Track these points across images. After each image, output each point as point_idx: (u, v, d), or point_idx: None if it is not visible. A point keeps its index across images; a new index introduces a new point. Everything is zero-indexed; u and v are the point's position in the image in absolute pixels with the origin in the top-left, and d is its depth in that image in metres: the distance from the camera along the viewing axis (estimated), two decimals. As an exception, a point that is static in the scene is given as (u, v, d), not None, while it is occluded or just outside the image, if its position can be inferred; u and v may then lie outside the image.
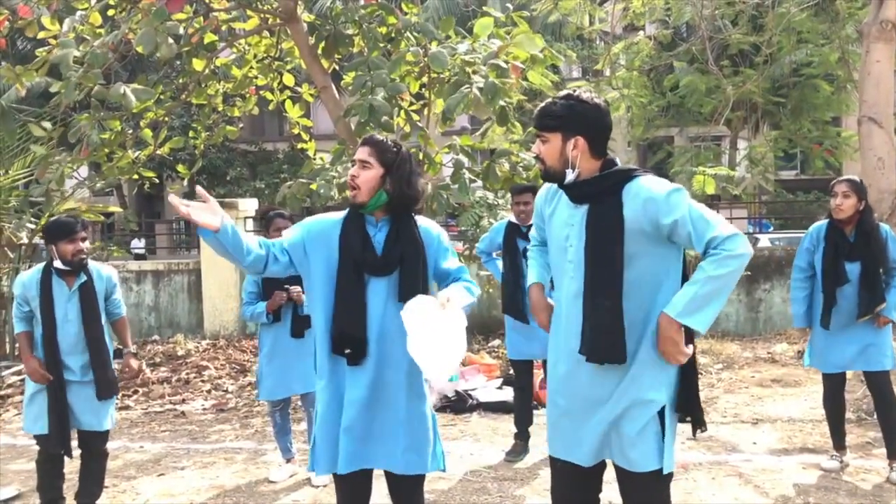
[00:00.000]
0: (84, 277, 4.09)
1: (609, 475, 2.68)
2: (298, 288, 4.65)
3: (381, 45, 6.65)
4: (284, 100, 8.30)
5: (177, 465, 5.39)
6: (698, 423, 2.66)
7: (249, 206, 11.19)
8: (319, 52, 7.05)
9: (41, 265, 4.15)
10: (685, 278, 2.57)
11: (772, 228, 19.25)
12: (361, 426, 2.75)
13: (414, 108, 6.94)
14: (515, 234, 5.03)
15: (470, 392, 6.70)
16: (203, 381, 8.13)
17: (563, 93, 2.62)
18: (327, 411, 2.79)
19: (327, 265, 2.77)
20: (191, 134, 8.61)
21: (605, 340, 2.50)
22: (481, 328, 9.72)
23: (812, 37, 11.37)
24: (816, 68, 12.84)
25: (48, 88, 6.45)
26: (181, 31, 6.20)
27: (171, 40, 5.81)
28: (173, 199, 2.59)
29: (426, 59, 6.14)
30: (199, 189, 2.66)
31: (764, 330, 9.92)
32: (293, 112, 8.23)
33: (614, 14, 9.90)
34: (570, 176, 2.57)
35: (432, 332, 2.60)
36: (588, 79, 13.79)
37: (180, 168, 8.99)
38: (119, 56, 6.64)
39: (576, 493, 2.70)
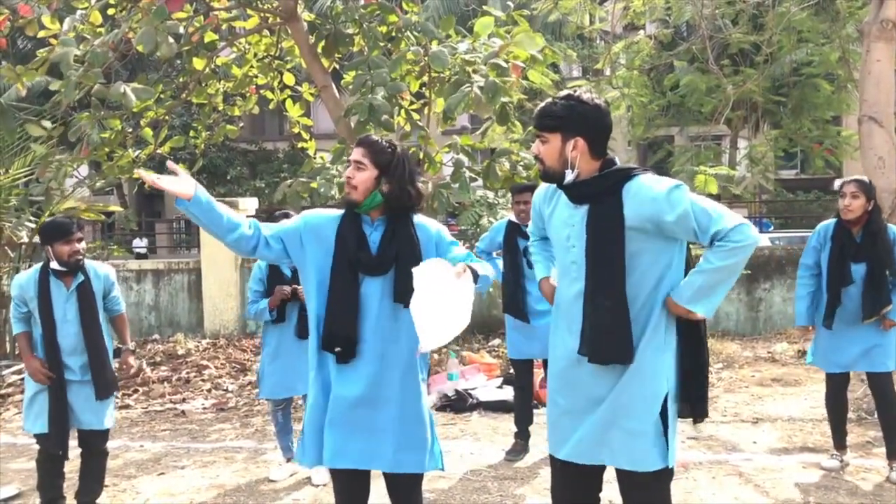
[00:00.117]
0: (82, 277, 4.09)
1: (609, 475, 2.68)
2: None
3: (382, 44, 6.65)
4: (285, 99, 8.29)
5: (177, 465, 5.39)
6: (700, 413, 2.66)
7: (250, 205, 11.19)
8: (320, 51, 7.05)
9: (38, 266, 4.14)
10: (688, 264, 2.57)
11: (772, 228, 19.25)
12: (349, 423, 2.74)
13: (414, 107, 6.94)
14: (516, 234, 5.03)
15: (470, 391, 6.70)
16: (203, 381, 8.13)
17: (563, 93, 2.61)
18: (314, 404, 2.81)
19: (322, 260, 2.78)
20: (191, 133, 8.61)
21: (606, 341, 2.50)
22: (481, 327, 9.72)
23: (812, 36, 11.36)
24: (817, 67, 12.83)
25: (48, 87, 6.45)
26: (181, 30, 6.21)
27: (171, 39, 5.81)
28: (141, 172, 2.70)
29: (426, 58, 6.14)
30: (169, 163, 2.71)
31: (764, 329, 9.92)
32: (293, 111, 8.22)
33: (614, 13, 9.89)
34: (569, 176, 2.56)
35: (439, 296, 2.58)
36: (588, 78, 13.77)
37: (181, 167, 8.97)
38: (119, 55, 6.65)
39: (576, 493, 2.69)
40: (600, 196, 2.54)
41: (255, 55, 7.86)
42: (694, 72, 13.53)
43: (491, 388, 6.88)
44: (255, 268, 4.92)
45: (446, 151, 6.78)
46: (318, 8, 7.77)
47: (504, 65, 5.87)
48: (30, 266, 5.19)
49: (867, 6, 7.72)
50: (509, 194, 6.72)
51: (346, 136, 6.63)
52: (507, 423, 5.76)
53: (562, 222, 2.65)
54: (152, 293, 11.31)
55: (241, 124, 12.49)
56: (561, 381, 2.67)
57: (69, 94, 6.04)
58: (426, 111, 7.00)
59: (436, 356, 8.51)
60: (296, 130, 8.43)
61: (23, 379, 5.69)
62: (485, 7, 6.68)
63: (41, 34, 6.43)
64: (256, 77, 7.95)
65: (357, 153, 2.77)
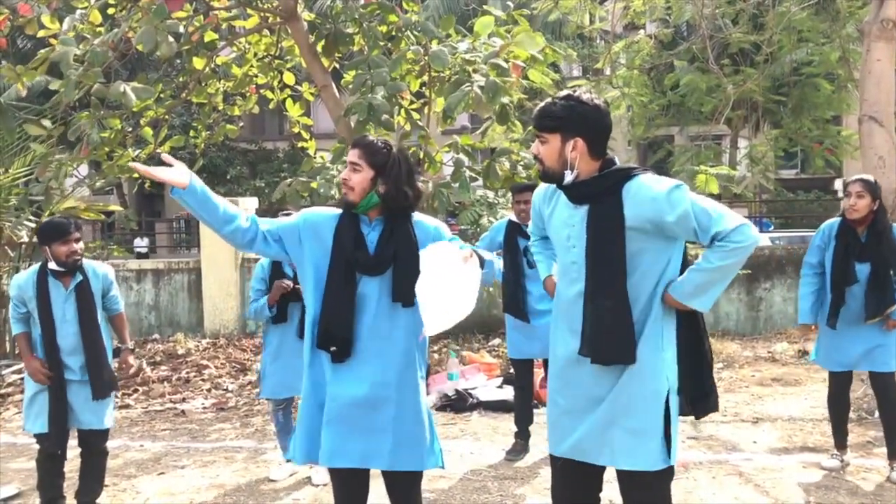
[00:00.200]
0: (80, 277, 4.08)
1: (609, 474, 2.67)
2: None
3: (382, 43, 6.65)
4: (285, 98, 8.29)
5: (177, 464, 5.39)
6: (701, 411, 2.67)
7: (250, 204, 11.18)
8: (320, 50, 7.05)
9: (36, 266, 4.14)
10: (684, 261, 2.59)
11: (772, 227, 19.26)
12: (347, 422, 2.74)
13: (414, 106, 6.94)
14: (516, 233, 5.03)
15: (470, 391, 6.70)
16: (203, 380, 8.13)
17: (562, 93, 2.60)
18: (305, 402, 2.82)
19: (320, 259, 2.78)
20: (191, 133, 8.60)
21: (608, 341, 2.49)
22: (481, 327, 9.72)
23: (813, 36, 11.35)
24: (817, 67, 12.82)
25: (48, 87, 6.45)
26: (181, 29, 6.20)
27: (171, 39, 5.81)
28: (135, 165, 2.74)
29: (427, 57, 6.14)
30: (164, 155, 2.71)
31: (764, 329, 9.92)
32: (293, 111, 8.22)
33: (615, 13, 9.88)
34: (568, 177, 2.56)
35: (445, 279, 2.58)
36: (588, 78, 13.77)
37: None
38: (119, 54, 6.64)
39: (576, 492, 2.69)
40: (600, 196, 2.54)
41: (255, 54, 7.86)
42: (694, 71, 13.52)
43: (491, 388, 6.88)
44: (257, 267, 4.91)
45: (446, 151, 6.78)
46: (318, 7, 7.78)
47: (504, 65, 5.87)
48: (30, 265, 5.19)
49: (867, 6, 7.72)
50: (509, 194, 6.72)
51: (346, 136, 6.62)
52: (508, 423, 5.76)
53: (561, 222, 2.65)
54: (152, 293, 11.32)
55: (241, 124, 12.50)
56: (561, 380, 2.67)
57: (69, 94, 6.04)
58: (426, 111, 7.00)
59: (436, 356, 8.51)
60: (296, 130, 8.42)
61: (22, 379, 5.70)
62: (485, 6, 6.67)
63: (41, 34, 6.42)
64: (256, 76, 7.95)
65: (353, 154, 2.77)
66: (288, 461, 5.01)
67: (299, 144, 8.69)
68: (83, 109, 6.79)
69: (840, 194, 12.16)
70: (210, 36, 7.04)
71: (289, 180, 6.77)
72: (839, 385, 4.73)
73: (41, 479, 4.15)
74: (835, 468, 4.74)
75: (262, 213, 6.12)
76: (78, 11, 6.57)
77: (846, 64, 10.67)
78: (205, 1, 7.74)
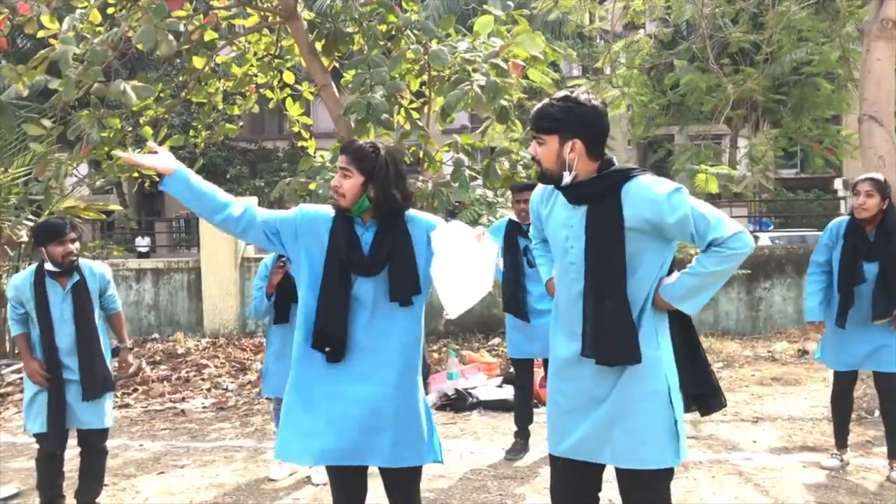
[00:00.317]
0: (77, 277, 4.08)
1: (608, 474, 2.67)
2: None
3: (382, 43, 6.65)
4: (284, 98, 8.29)
5: (177, 464, 5.39)
6: (703, 408, 2.67)
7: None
8: (319, 49, 7.05)
9: (33, 267, 4.14)
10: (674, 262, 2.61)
11: (772, 227, 19.26)
12: (346, 421, 2.74)
13: (414, 106, 6.94)
14: (516, 233, 5.03)
15: (470, 390, 6.69)
16: (203, 380, 8.13)
17: (560, 94, 2.59)
18: (290, 398, 2.82)
19: (316, 256, 2.79)
20: (191, 132, 8.60)
21: (610, 342, 2.49)
22: (481, 326, 9.72)
23: (812, 35, 11.35)
24: (817, 67, 12.82)
25: (48, 86, 6.45)
26: (181, 28, 6.19)
27: (170, 37, 5.81)
28: (120, 153, 2.82)
29: (426, 57, 6.14)
30: (150, 143, 2.73)
31: (764, 328, 9.92)
32: (293, 110, 8.22)
33: (614, 12, 9.88)
34: (567, 178, 2.55)
35: (459, 259, 2.57)
36: (588, 77, 13.77)
37: None
38: (119, 54, 6.63)
39: (576, 492, 2.69)
40: (599, 197, 2.54)
41: (255, 54, 7.86)
42: (694, 71, 13.52)
43: (491, 388, 6.88)
44: (261, 266, 4.91)
45: (446, 150, 6.78)
46: (318, 6, 7.79)
47: (504, 65, 5.87)
48: (30, 265, 5.19)
49: (867, 5, 7.72)
50: (509, 193, 6.72)
51: (345, 135, 6.62)
52: (507, 423, 5.76)
53: (560, 223, 2.65)
54: (152, 292, 11.31)
55: (241, 123, 12.49)
56: (561, 380, 2.67)
57: (68, 93, 6.03)
58: (426, 110, 7.00)
59: (435, 355, 8.51)
60: (295, 129, 8.42)
61: (22, 378, 5.69)
62: (485, 6, 6.67)
63: (41, 34, 6.42)
64: (256, 76, 7.95)
65: (342, 160, 2.77)
66: (288, 461, 5.01)
67: (299, 144, 8.69)
68: (83, 109, 6.79)
69: (840, 194, 12.17)
70: (210, 35, 7.04)
71: (287, 180, 6.77)
72: (843, 384, 4.71)
73: (41, 478, 4.15)
74: (835, 467, 4.74)
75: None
76: (77, 11, 6.57)
77: (846, 63, 10.68)
78: (204, 0, 7.74)
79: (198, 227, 11.31)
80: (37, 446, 4.15)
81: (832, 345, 4.63)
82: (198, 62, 7.24)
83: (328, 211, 2.84)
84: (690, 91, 13.69)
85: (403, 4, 7.09)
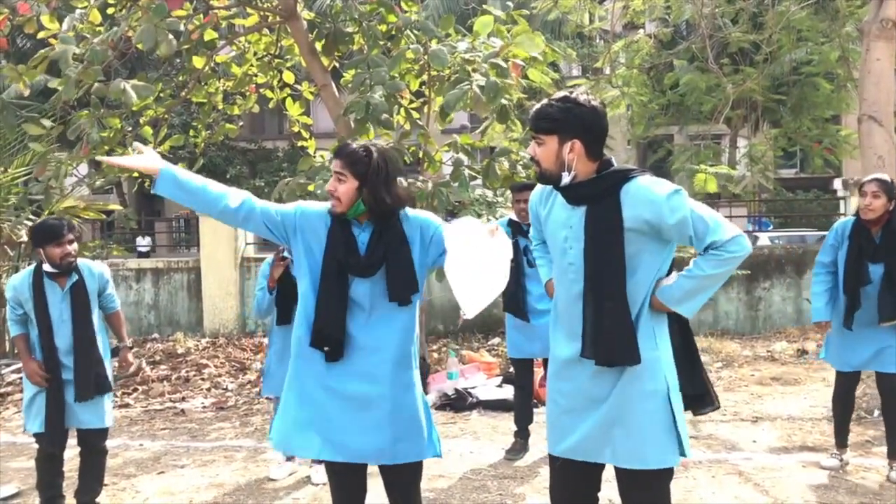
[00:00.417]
0: (76, 277, 4.08)
1: (608, 474, 2.67)
2: None
3: (381, 42, 6.64)
4: (284, 98, 8.29)
5: (176, 464, 5.39)
6: (697, 407, 2.68)
7: (249, 203, 11.17)
8: (319, 49, 7.05)
9: (31, 267, 4.14)
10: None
11: (771, 227, 19.27)
12: (344, 418, 2.76)
13: (414, 105, 6.94)
14: (516, 232, 5.03)
15: (470, 390, 6.70)
16: (203, 380, 8.13)
17: (559, 94, 2.59)
18: (289, 392, 2.84)
19: (314, 254, 2.80)
20: (191, 132, 8.60)
21: (611, 343, 2.49)
22: (481, 326, 9.73)
23: (812, 35, 11.37)
24: (816, 66, 12.84)
25: (48, 86, 6.44)
26: (181, 28, 6.19)
27: (170, 37, 5.81)
28: (103, 158, 2.81)
29: (426, 56, 6.14)
30: (135, 143, 2.73)
31: (763, 328, 9.92)
32: (293, 110, 8.22)
33: (614, 12, 9.88)
34: (566, 178, 2.55)
35: (474, 256, 2.56)
36: (588, 77, 13.78)
37: (181, 166, 8.95)
38: (118, 53, 6.63)
39: (575, 492, 2.69)
40: (598, 197, 2.54)
41: (255, 54, 7.86)
42: (694, 71, 13.53)
43: (490, 387, 6.88)
44: (263, 264, 4.92)
45: (446, 150, 6.78)
46: (318, 6, 7.79)
47: (503, 65, 5.87)
48: (29, 264, 5.19)
49: (867, 5, 7.72)
50: (509, 193, 6.72)
51: (345, 135, 6.62)
52: (507, 422, 5.76)
53: (559, 224, 2.64)
54: (152, 292, 11.31)
55: (241, 123, 12.49)
56: (561, 380, 2.67)
57: (68, 92, 6.03)
58: (426, 110, 7.00)
59: (435, 355, 8.52)
60: (295, 129, 8.42)
61: (22, 378, 5.70)
62: (484, 6, 6.67)
63: (41, 35, 6.41)
64: (256, 76, 7.95)
65: (336, 165, 2.78)
66: (288, 460, 5.01)
67: (299, 143, 8.69)
68: (83, 109, 6.79)
69: (839, 193, 12.17)
70: (210, 35, 7.04)
71: (287, 179, 6.77)
72: (846, 384, 4.70)
73: (40, 478, 4.15)
74: (834, 467, 4.74)
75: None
76: (77, 11, 6.57)
77: (845, 63, 10.69)
78: (204, 0, 7.74)
79: (198, 226, 11.30)
80: (37, 446, 4.15)
81: (837, 345, 4.62)
82: (198, 62, 7.24)
83: (326, 207, 2.84)
84: (690, 91, 13.71)
85: (403, 4, 7.09)
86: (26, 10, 6.22)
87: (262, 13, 7.37)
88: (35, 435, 4.10)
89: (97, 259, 7.73)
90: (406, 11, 6.88)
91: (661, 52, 11.93)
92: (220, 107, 8.24)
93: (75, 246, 4.07)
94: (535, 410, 5.42)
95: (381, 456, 2.78)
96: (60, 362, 4.02)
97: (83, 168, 10.65)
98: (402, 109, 6.64)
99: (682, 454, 2.55)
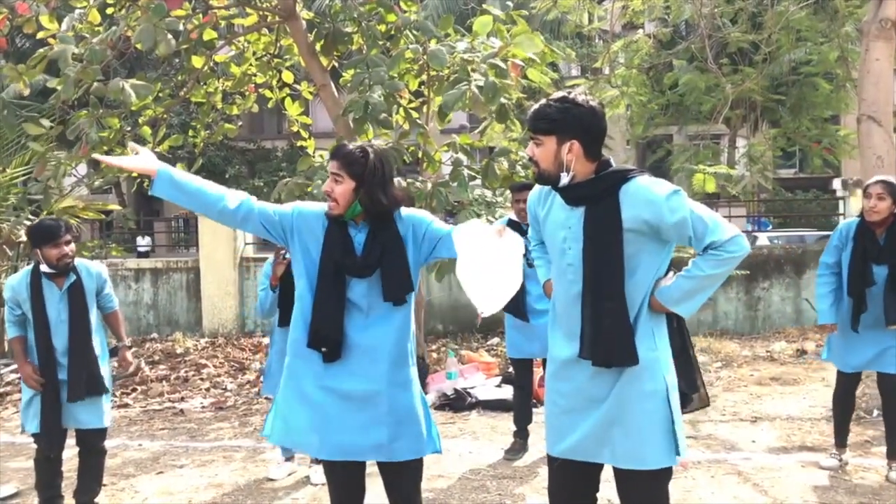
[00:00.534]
0: (73, 277, 4.07)
1: (606, 474, 2.67)
2: None
3: (380, 42, 6.64)
4: (283, 97, 8.29)
5: (175, 464, 5.39)
6: (695, 403, 2.70)
7: (248, 203, 11.16)
8: (318, 49, 7.04)
9: (29, 268, 4.13)
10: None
11: (770, 227, 19.28)
12: (343, 417, 2.76)
13: (413, 105, 6.94)
14: (516, 232, 5.02)
15: (469, 390, 6.69)
16: (202, 380, 8.13)
17: (557, 95, 2.58)
18: (286, 389, 2.85)
19: (311, 254, 2.81)
20: (190, 132, 8.60)
21: (609, 343, 2.49)
22: (480, 326, 9.72)
23: (811, 35, 11.38)
24: (816, 66, 12.85)
25: (47, 86, 6.44)
26: (180, 27, 6.19)
27: (169, 37, 5.80)
28: (100, 157, 2.79)
29: (425, 56, 6.14)
30: (131, 143, 2.74)
31: (763, 328, 9.92)
32: (292, 110, 8.22)
33: (613, 12, 9.89)
34: (564, 179, 2.55)
35: (484, 257, 2.57)
36: (587, 77, 13.79)
37: (179, 166, 8.95)
38: (117, 53, 6.63)
39: (574, 492, 2.69)
40: (597, 198, 2.53)
41: (254, 53, 7.85)
42: (693, 71, 13.55)
43: (490, 387, 6.88)
44: (265, 264, 4.92)
45: (445, 150, 6.78)
46: (317, 6, 7.79)
47: (502, 66, 5.86)
48: (28, 264, 5.19)
49: (866, 5, 7.73)
50: (508, 193, 6.72)
51: (344, 135, 6.62)
52: (506, 422, 5.76)
53: (557, 224, 2.64)
54: (151, 292, 11.30)
55: (240, 123, 12.49)
56: (559, 381, 2.67)
57: (67, 91, 6.03)
58: (425, 110, 7.00)
59: (434, 355, 8.51)
60: (294, 129, 8.42)
61: (21, 378, 5.69)
62: (484, 6, 6.67)
63: (40, 35, 6.41)
64: (255, 75, 7.95)
65: (333, 166, 2.78)
66: (287, 460, 5.01)
67: (298, 143, 8.70)
68: (82, 108, 6.79)
69: (839, 194, 12.18)
70: (209, 34, 7.04)
71: (286, 179, 6.77)
72: (848, 385, 4.70)
73: (39, 478, 4.14)
74: (833, 467, 4.74)
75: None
76: (77, 11, 6.57)
77: (845, 63, 10.70)
78: None
79: (197, 226, 11.30)
80: (35, 446, 4.15)
81: (839, 346, 4.61)
82: (197, 62, 7.23)
83: (323, 208, 2.84)
84: (689, 91, 13.72)
85: (402, 4, 7.08)
86: (25, 11, 6.22)
87: (261, 13, 7.37)
88: (33, 435, 4.09)
89: (96, 259, 7.73)
90: (405, 11, 6.88)
91: (661, 52, 11.94)
92: (219, 106, 8.24)
93: (72, 247, 4.06)
94: (534, 410, 5.42)
95: (380, 453, 2.78)
96: (58, 362, 4.02)
97: (82, 168, 10.65)
98: (401, 109, 6.64)
99: (678, 454, 2.55)
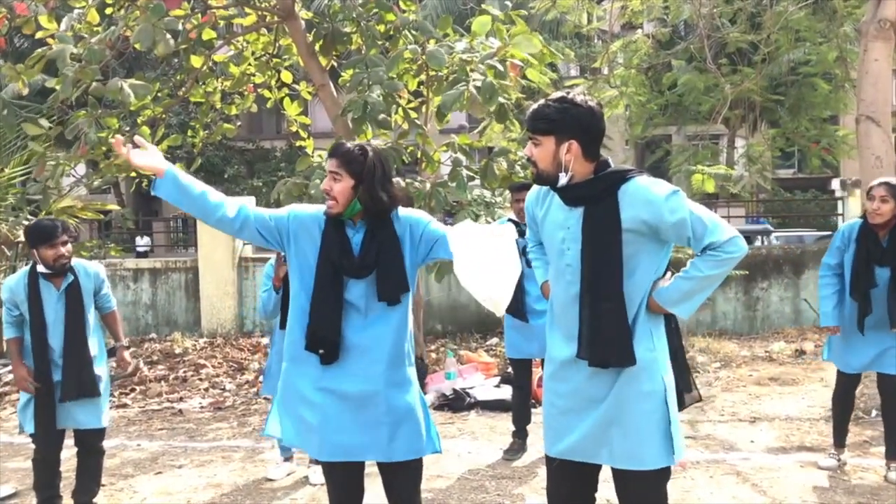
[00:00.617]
0: (71, 278, 4.07)
1: (605, 474, 2.67)
2: None
3: (379, 42, 6.65)
4: (282, 97, 8.28)
5: (174, 464, 5.38)
6: (687, 400, 2.71)
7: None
8: (317, 49, 7.04)
9: (26, 268, 4.12)
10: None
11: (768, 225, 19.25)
12: (341, 417, 2.76)
13: (412, 105, 6.94)
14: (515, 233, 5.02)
15: (468, 390, 6.69)
16: (201, 380, 8.12)
17: (556, 95, 2.58)
18: (285, 389, 2.86)
19: (308, 257, 2.80)
20: (189, 132, 8.59)
21: (606, 344, 2.49)
22: (479, 326, 9.72)
23: (810, 35, 11.38)
24: (814, 67, 12.86)
25: (45, 86, 6.44)
26: (179, 27, 6.19)
27: (168, 37, 5.80)
28: (119, 140, 2.72)
29: (424, 57, 6.14)
30: (137, 138, 2.73)
31: (762, 328, 9.92)
32: (291, 110, 8.21)
33: (612, 12, 9.89)
34: (563, 179, 2.55)
35: (481, 257, 2.58)
36: (586, 77, 13.79)
37: (178, 166, 8.95)
38: (116, 53, 6.63)
39: (572, 492, 2.69)
40: (596, 198, 2.53)
41: (253, 53, 7.85)
42: (692, 71, 13.55)
43: (489, 388, 6.88)
44: (267, 265, 4.91)
45: (444, 150, 6.78)
46: (316, 6, 7.78)
47: (501, 66, 5.86)
48: (26, 265, 5.18)
49: (864, 5, 7.73)
50: (507, 193, 6.73)
51: (343, 135, 6.62)
52: (505, 423, 5.76)
53: (556, 225, 2.64)
54: (149, 292, 11.29)
55: (239, 123, 12.49)
56: (558, 381, 2.67)
57: (66, 91, 6.02)
58: (424, 110, 7.00)
59: (433, 355, 8.51)
60: (293, 129, 8.42)
61: (18, 378, 5.68)
62: (483, 6, 6.67)
63: (39, 35, 6.40)
64: (254, 75, 7.94)
65: (332, 164, 2.77)
66: (286, 460, 5.01)
67: (297, 143, 8.70)
68: (81, 108, 6.79)
69: (837, 194, 12.19)
70: (208, 34, 7.03)
71: (285, 180, 6.77)
72: (847, 385, 4.70)
73: (38, 478, 4.14)
74: (832, 467, 4.74)
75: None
76: (75, 10, 6.56)
77: (843, 63, 10.71)
78: (202, -1, 7.74)
79: (195, 226, 11.29)
80: (34, 447, 4.14)
81: (840, 346, 4.61)
82: (195, 61, 7.23)
83: (319, 210, 2.84)
84: (688, 91, 13.73)
85: (401, 4, 7.08)
86: (24, 11, 6.22)
87: (260, 13, 7.37)
88: (31, 436, 4.09)
89: (95, 259, 7.72)
90: (404, 11, 6.88)
91: (660, 53, 11.94)
92: (218, 106, 8.24)
93: (69, 247, 4.05)
94: (533, 411, 5.42)
95: (379, 453, 2.78)
96: (54, 363, 4.01)
97: (81, 168, 10.64)
98: (399, 109, 6.64)
99: (674, 455, 2.55)
